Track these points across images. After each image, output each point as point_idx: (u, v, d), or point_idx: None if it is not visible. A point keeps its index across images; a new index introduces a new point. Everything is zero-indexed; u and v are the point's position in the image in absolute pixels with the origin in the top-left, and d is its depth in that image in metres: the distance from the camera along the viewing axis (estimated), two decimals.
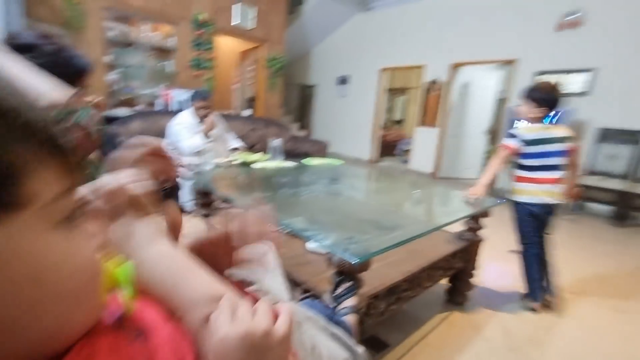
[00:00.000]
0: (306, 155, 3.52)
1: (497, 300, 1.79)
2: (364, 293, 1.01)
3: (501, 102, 6.71)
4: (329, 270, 0.94)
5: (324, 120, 7.70)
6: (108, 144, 2.55)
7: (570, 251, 2.63)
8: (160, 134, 2.94)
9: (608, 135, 3.83)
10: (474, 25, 5.02)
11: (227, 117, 3.42)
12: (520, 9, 4.52)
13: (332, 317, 0.70)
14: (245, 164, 2.21)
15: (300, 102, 8.18)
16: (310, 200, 1.45)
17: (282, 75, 5.82)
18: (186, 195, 2.45)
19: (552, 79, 4.31)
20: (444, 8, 5.33)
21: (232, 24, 4.87)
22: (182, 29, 4.40)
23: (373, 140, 6.81)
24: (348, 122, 7.20)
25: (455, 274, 1.63)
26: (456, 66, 5.33)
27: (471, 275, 1.69)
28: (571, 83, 4.12)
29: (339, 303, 0.83)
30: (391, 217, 1.49)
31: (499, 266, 2.28)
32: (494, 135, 6.35)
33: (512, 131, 1.69)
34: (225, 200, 1.64)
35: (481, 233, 1.65)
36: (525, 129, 1.67)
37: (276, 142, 2.50)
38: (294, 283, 1.08)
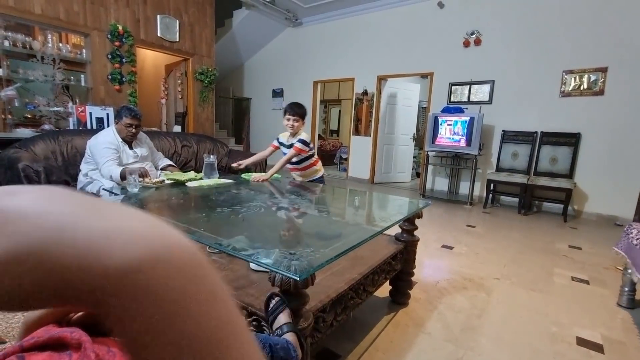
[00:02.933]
0: (244, 170, 3.43)
1: (435, 294, 1.92)
2: (311, 309, 0.99)
3: (423, 110, 7.33)
4: (273, 290, 0.91)
5: (262, 133, 7.62)
6: (7, 170, 2.18)
7: (493, 241, 2.94)
8: (73, 156, 2.62)
9: (509, 137, 4.44)
10: (396, 41, 5.45)
11: (155, 134, 3.18)
12: (434, 27, 5.04)
13: (267, 341, 0.68)
14: (178, 184, 2.07)
15: (236, 116, 7.99)
16: (250, 217, 1.40)
17: (215, 88, 5.63)
18: None
19: (464, 89, 4.86)
20: (369, 26, 5.71)
21: (155, 35, 4.60)
22: (95, 40, 4.02)
23: None
24: None
25: (396, 275, 1.71)
26: (382, 78, 5.71)
27: (411, 274, 1.79)
28: (479, 93, 4.69)
29: (273, 321, 0.81)
30: (333, 227, 1.52)
31: (433, 261, 2.45)
32: (420, 140, 6.90)
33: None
34: None
35: (416, 233, 1.76)
36: None
37: (211, 159, 2.39)
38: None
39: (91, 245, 0.14)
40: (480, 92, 4.68)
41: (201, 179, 2.23)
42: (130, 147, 2.43)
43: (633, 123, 3.72)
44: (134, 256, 0.14)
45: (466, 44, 4.74)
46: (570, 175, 4.03)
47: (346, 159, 6.85)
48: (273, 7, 5.80)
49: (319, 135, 7.64)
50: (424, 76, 5.66)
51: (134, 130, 2.37)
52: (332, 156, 8.26)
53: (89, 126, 3.62)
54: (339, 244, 1.10)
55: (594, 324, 1.69)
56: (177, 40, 4.85)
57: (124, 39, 4.23)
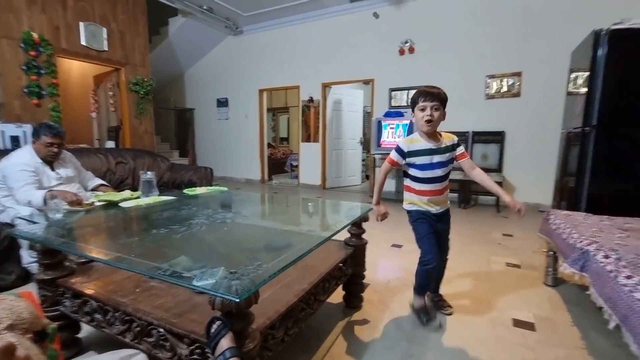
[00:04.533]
0: (190, 184, 3.26)
1: (387, 294, 1.97)
2: (258, 327, 0.95)
3: (368, 115, 7.61)
4: (217, 313, 0.86)
5: (208, 145, 7.34)
6: None
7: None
8: None
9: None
10: (338, 49, 5.60)
11: (84, 152, 2.90)
12: (371, 36, 5.27)
13: None
14: (111, 205, 1.90)
15: (179, 127, 7.60)
16: (193, 236, 1.32)
17: (153, 100, 5.30)
18: (29, 256, 1.94)
19: (402, 94, 5.13)
20: (311, 34, 5.80)
21: (80, 44, 4.21)
22: (5, 50, 3.57)
23: (262, 159, 6.81)
24: (234, 144, 7.04)
25: (348, 280, 1.72)
26: (327, 85, 5.83)
27: (362, 277, 1.82)
28: None
29: (215, 347, 0.76)
30: (281, 237, 1.49)
31: (384, 261, 2.53)
32: (367, 144, 7.13)
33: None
34: (82, 257, 1.35)
35: (366, 235, 1.80)
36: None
37: (148, 175, 2.23)
38: (177, 337, 0.95)
39: None
40: None
41: (138, 197, 2.06)
42: (52, 169, 2.18)
43: (546, 119, 4.21)
44: None
45: (401, 52, 5.03)
46: (499, 169, 4.45)
47: (297, 166, 6.86)
48: (211, 15, 5.65)
49: (269, 143, 7.55)
50: (366, 82, 5.88)
51: (55, 149, 2.13)
52: (282, 164, 8.21)
53: (1, 146, 3.19)
54: (286, 255, 1.08)
55: (527, 305, 1.86)
56: (106, 49, 4.50)
57: (41, 48, 3.82)
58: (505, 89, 4.43)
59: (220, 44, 6.79)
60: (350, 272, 1.70)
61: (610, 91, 2.22)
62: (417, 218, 1.65)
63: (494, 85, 4.49)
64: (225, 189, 2.50)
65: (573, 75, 2.94)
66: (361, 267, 1.79)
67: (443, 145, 1.55)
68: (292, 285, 1.28)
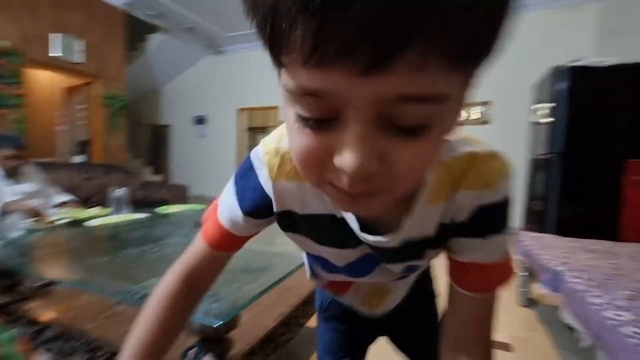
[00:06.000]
0: (163, 202, 3.14)
1: None
2: (238, 352, 0.90)
3: None
4: (191, 339, 0.80)
5: (183, 162, 7.15)
6: None
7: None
8: None
9: None
10: None
11: (49, 166, 2.73)
12: None
13: None
14: (76, 223, 1.78)
15: (153, 144, 7.39)
16: (166, 257, 1.25)
17: (127, 114, 5.15)
18: None
19: None
20: None
21: (50, 55, 4.07)
22: None
23: None
24: (210, 162, 6.91)
25: None
26: None
27: None
28: None
29: None
30: (261, 258, 1.44)
31: None
32: None
33: None
34: (41, 279, 1.24)
35: None
36: None
37: (119, 192, 2.14)
38: None
39: None
40: None
41: (107, 215, 1.95)
42: (13, 182, 2.03)
43: (514, 146, 4.46)
44: None
45: None
46: None
47: None
48: (192, 34, 5.67)
49: None
50: None
51: (16, 162, 1.99)
52: None
53: None
54: (266, 277, 1.04)
55: (503, 326, 1.88)
56: (80, 61, 4.37)
57: (8, 57, 3.65)
58: (476, 116, 4.69)
59: (200, 62, 6.78)
60: None
61: (570, 118, 2.40)
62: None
63: (465, 113, 4.74)
64: (201, 207, 2.42)
65: (535, 107, 3.16)
66: None
67: None
68: (272, 308, 1.23)
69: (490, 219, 0.34)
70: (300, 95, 0.20)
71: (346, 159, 0.20)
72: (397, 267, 0.41)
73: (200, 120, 6.95)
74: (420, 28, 0.16)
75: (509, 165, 0.34)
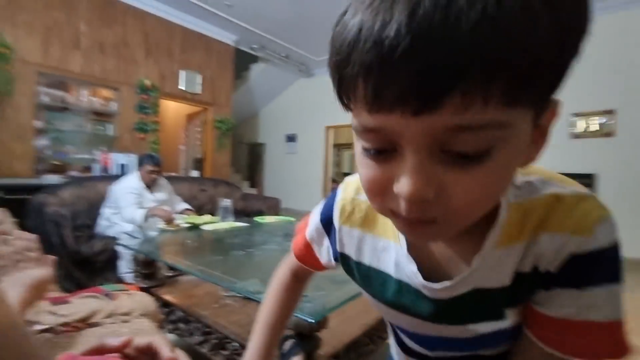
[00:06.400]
0: (259, 213, 3.50)
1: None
2: (325, 354, 0.98)
3: None
4: (286, 331, 0.91)
5: (275, 177, 7.80)
6: (36, 215, 2.30)
7: None
8: (97, 200, 2.74)
9: None
10: None
11: (174, 179, 3.33)
12: None
13: None
14: (194, 227, 2.13)
15: (250, 160, 8.27)
16: (264, 260, 1.42)
17: (231, 135, 5.92)
18: (125, 266, 2.25)
19: None
20: None
21: (178, 88, 4.98)
22: (124, 94, 4.37)
23: (325, 193, 7.00)
24: (299, 177, 7.38)
25: None
26: None
27: None
28: None
29: None
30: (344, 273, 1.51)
31: None
32: None
33: None
34: (172, 269, 1.54)
35: None
36: None
37: (226, 202, 2.47)
38: None
39: None
40: None
41: (217, 222, 2.29)
42: (151, 192, 2.55)
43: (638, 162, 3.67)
44: None
45: None
46: None
47: None
48: (288, 60, 6.26)
49: (333, 178, 7.76)
50: None
51: (155, 176, 2.50)
52: None
53: (113, 172, 3.82)
54: (350, 288, 1.11)
55: None
56: (199, 92, 5.23)
57: (150, 92, 4.60)
58: (596, 127, 4.02)
59: (292, 85, 7.41)
60: None
61: None
62: None
63: (582, 124, 4.11)
64: (292, 219, 2.63)
65: None
66: None
67: None
68: (356, 318, 1.28)
69: (587, 270, 0.28)
70: (364, 132, 0.23)
71: (403, 185, 0.22)
72: (464, 331, 0.34)
73: (291, 138, 7.53)
74: (459, 78, 0.18)
75: (605, 209, 0.29)
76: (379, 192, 0.25)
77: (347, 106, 0.25)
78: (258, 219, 2.53)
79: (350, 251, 0.41)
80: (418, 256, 0.34)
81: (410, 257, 0.34)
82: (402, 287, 0.36)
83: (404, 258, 0.35)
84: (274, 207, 3.56)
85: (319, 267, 0.48)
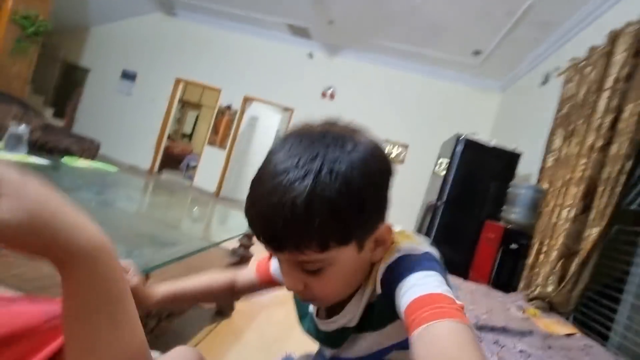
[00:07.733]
0: (66, 152, 2.83)
1: (256, 308, 2.08)
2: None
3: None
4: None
5: (96, 115, 6.38)
6: None
7: None
8: None
9: None
10: (267, 70, 5.81)
11: None
12: (302, 71, 5.67)
13: None
14: None
15: (62, 84, 6.42)
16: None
17: (40, 42, 4.45)
18: None
19: None
20: (244, 45, 5.88)
21: None
22: None
23: (157, 149, 6.26)
24: (128, 123, 6.31)
25: None
26: (248, 99, 5.91)
27: None
28: None
29: None
30: (169, 233, 1.49)
31: None
32: None
33: None
34: None
35: (255, 248, 1.91)
36: None
37: (20, 129, 1.92)
38: None
39: (63, 230, 0.25)
40: None
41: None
42: None
43: (415, 187, 5.18)
44: (93, 245, 0.27)
45: (324, 94, 5.55)
46: None
47: (194, 168, 6.53)
48: None
49: (169, 135, 7.00)
50: (286, 109, 6.20)
51: None
52: (178, 161, 7.68)
53: None
54: (176, 249, 1.13)
55: None
56: None
57: None
58: (396, 153, 5.32)
59: (146, 16, 6.23)
60: None
61: (459, 176, 2.99)
62: None
63: (388, 148, 5.34)
64: (114, 168, 2.30)
65: (440, 160, 3.79)
66: None
67: None
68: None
69: (398, 269, 0.39)
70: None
71: (284, 282, 0.43)
72: (353, 352, 0.48)
73: (128, 76, 6.33)
74: (282, 246, 0.38)
75: (412, 237, 0.45)
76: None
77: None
78: (67, 159, 2.07)
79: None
80: None
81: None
82: (312, 319, 0.54)
83: None
84: (89, 150, 2.96)
85: (266, 273, 0.62)
